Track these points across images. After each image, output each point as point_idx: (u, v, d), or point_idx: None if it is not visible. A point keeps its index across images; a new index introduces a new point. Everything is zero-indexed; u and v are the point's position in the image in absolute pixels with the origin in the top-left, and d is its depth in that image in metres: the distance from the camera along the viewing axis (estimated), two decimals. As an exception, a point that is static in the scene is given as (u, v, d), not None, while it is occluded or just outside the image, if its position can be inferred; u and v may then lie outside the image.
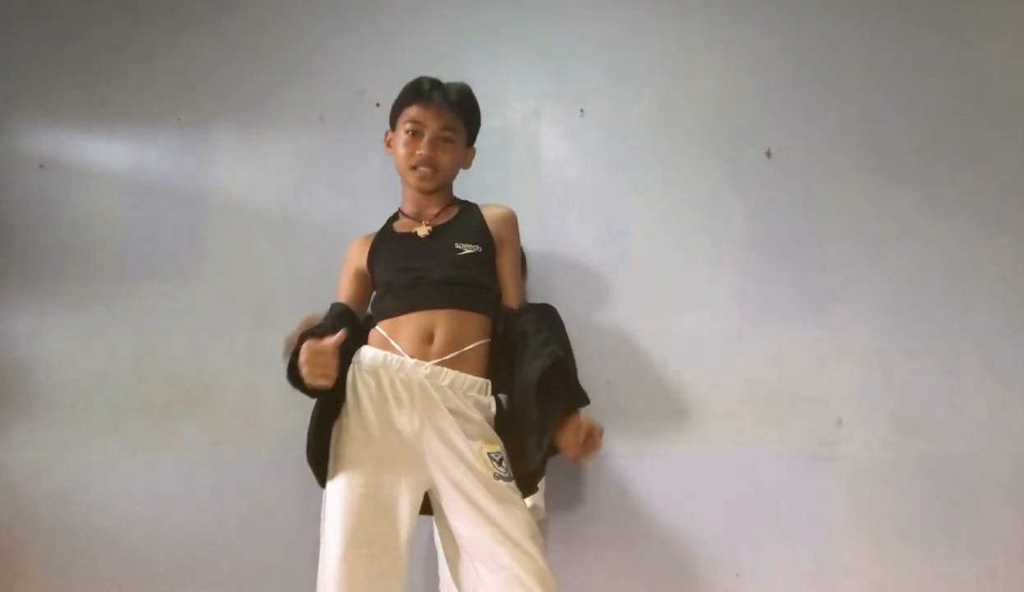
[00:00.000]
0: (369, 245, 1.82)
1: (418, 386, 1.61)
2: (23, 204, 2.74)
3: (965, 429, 2.42)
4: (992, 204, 2.54)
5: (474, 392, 1.66)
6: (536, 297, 2.36)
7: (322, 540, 1.64)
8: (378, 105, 2.72)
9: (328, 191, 2.69)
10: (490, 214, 1.82)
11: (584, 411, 1.84)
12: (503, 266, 1.77)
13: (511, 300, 1.77)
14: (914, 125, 2.59)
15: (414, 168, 1.74)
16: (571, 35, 2.74)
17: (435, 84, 1.82)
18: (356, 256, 1.83)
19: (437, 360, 1.63)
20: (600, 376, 2.52)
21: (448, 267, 1.69)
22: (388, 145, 1.84)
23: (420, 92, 1.79)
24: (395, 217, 1.86)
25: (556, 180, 2.67)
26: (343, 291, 1.84)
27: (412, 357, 1.63)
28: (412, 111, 1.76)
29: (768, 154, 2.62)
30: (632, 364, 2.53)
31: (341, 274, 1.88)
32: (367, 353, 1.68)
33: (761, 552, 2.41)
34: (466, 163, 1.89)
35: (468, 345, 1.67)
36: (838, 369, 2.48)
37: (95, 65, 2.80)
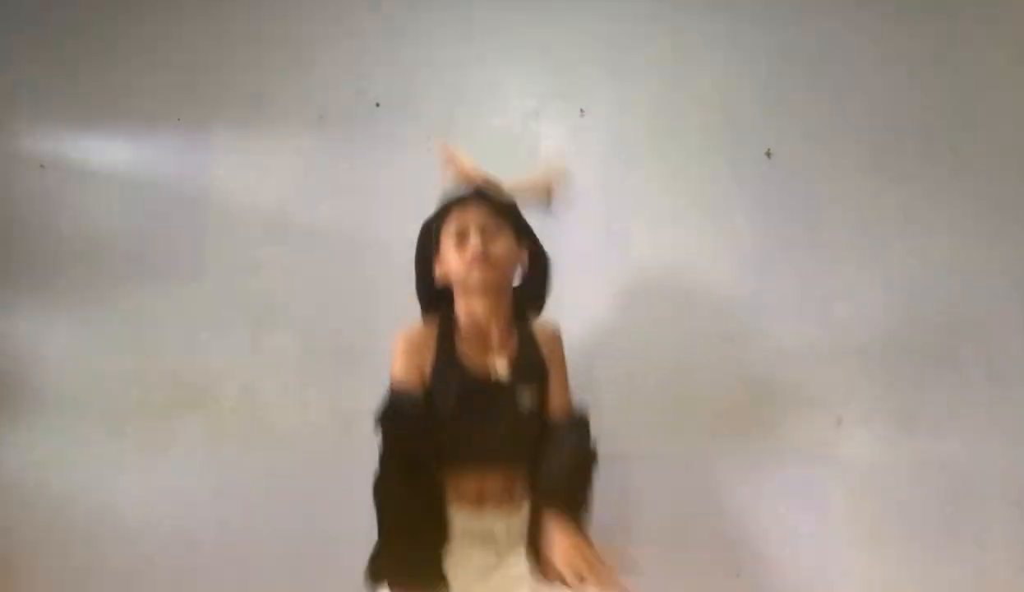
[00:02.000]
0: (433, 349, 1.64)
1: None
2: (23, 204, 2.74)
3: (965, 429, 2.42)
4: (992, 204, 2.54)
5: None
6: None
7: None
8: (378, 105, 2.72)
9: (328, 191, 2.69)
10: (542, 337, 1.76)
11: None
12: (552, 385, 1.72)
13: (555, 413, 1.71)
14: (914, 125, 2.59)
15: (469, 268, 1.62)
16: (571, 35, 2.74)
17: (465, 190, 1.78)
18: (420, 356, 1.64)
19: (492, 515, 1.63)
20: (600, 376, 2.52)
21: (509, 419, 1.63)
22: (440, 272, 1.70)
23: (455, 198, 1.71)
24: (450, 323, 1.67)
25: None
26: (413, 380, 1.64)
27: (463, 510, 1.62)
28: (453, 218, 1.68)
29: (768, 154, 2.62)
30: (632, 364, 2.53)
31: (400, 357, 1.65)
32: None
33: (761, 552, 2.41)
34: (524, 260, 1.77)
35: (516, 498, 1.66)
36: (838, 369, 2.48)
37: (95, 65, 2.80)
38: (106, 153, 2.77)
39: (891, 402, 2.45)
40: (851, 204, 2.58)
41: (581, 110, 2.70)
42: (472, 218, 1.66)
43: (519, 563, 1.62)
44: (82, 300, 2.68)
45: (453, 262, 1.66)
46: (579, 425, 1.73)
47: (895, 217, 2.56)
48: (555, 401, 1.70)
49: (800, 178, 2.60)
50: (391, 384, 1.63)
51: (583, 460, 1.70)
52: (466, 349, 1.65)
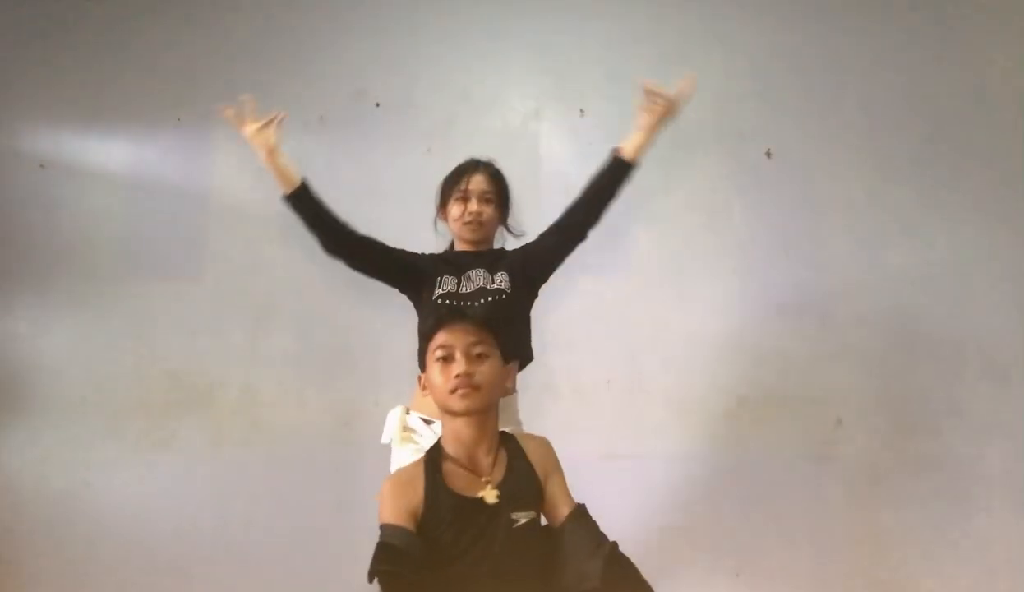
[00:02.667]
0: (422, 488, 1.60)
1: None
2: (23, 204, 2.74)
3: (965, 429, 2.42)
4: (992, 204, 2.54)
5: None
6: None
7: None
8: (378, 105, 2.73)
9: (328, 191, 2.68)
10: (533, 454, 1.69)
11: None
12: (552, 492, 1.66)
13: (560, 515, 1.66)
14: (914, 125, 2.59)
15: (453, 391, 1.58)
16: (571, 35, 2.74)
17: (455, 308, 1.77)
18: (407, 496, 1.59)
19: None
20: (600, 376, 2.52)
21: (506, 551, 1.57)
22: (424, 388, 1.68)
23: (441, 318, 1.66)
24: (438, 453, 1.64)
25: (556, 180, 2.66)
26: (402, 521, 1.58)
27: None
28: (438, 339, 1.63)
29: (768, 154, 2.62)
30: (632, 364, 2.53)
31: (387, 502, 1.60)
32: None
33: (761, 552, 2.41)
34: (509, 381, 1.74)
35: None
36: (838, 369, 2.48)
37: (95, 65, 2.80)
38: (106, 153, 2.77)
39: (891, 402, 2.45)
40: (851, 204, 2.58)
41: (581, 110, 2.70)
42: (459, 340, 1.60)
43: None
44: (82, 300, 2.68)
45: (437, 384, 1.60)
46: (582, 517, 1.68)
47: (895, 217, 2.56)
48: (559, 509, 1.65)
49: (800, 178, 2.60)
50: (381, 531, 1.58)
51: (606, 549, 1.69)
52: (454, 477, 1.61)
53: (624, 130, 2.68)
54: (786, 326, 2.51)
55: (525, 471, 1.65)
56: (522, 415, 2.30)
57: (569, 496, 1.69)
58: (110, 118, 2.79)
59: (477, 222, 2.00)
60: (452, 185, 2.04)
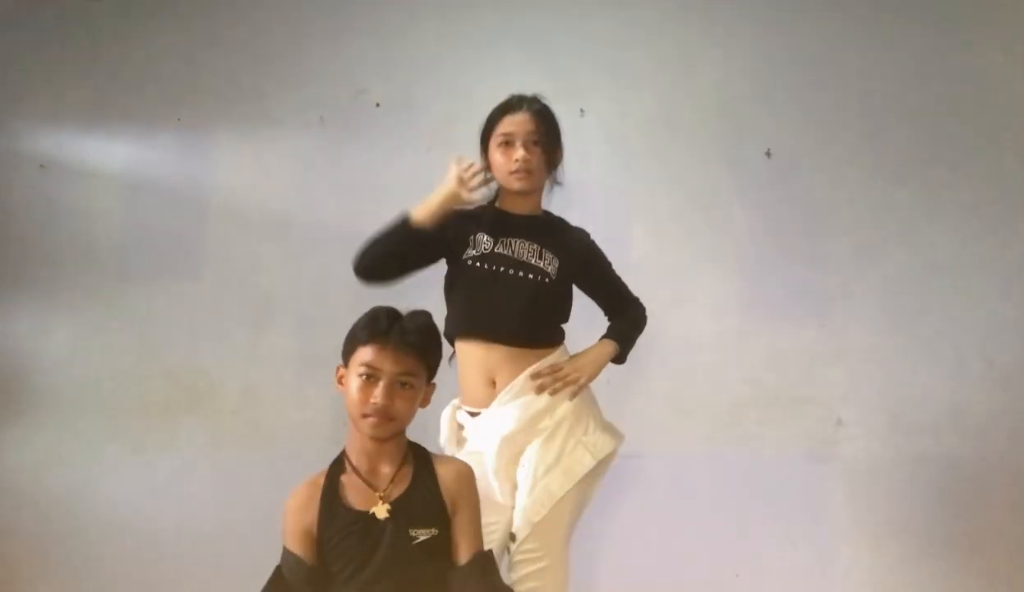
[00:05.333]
0: (317, 507, 1.55)
1: None
2: (23, 204, 2.74)
3: (965, 429, 2.42)
4: (992, 204, 2.54)
5: None
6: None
7: None
8: (378, 105, 2.72)
9: (328, 191, 2.69)
10: (444, 478, 1.58)
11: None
12: (458, 528, 1.57)
13: (461, 556, 1.55)
14: (914, 125, 2.59)
15: (365, 416, 1.51)
16: (571, 35, 2.75)
17: (393, 319, 1.57)
18: (303, 516, 1.56)
19: None
20: (600, 376, 2.52)
21: (402, 567, 1.50)
22: (339, 382, 1.59)
23: (376, 331, 1.55)
24: (340, 465, 1.60)
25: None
26: (297, 545, 1.56)
27: None
28: (367, 353, 1.53)
29: (768, 154, 2.62)
30: (632, 364, 2.53)
31: (286, 524, 1.58)
32: None
33: (761, 552, 2.41)
34: (425, 402, 1.61)
35: None
36: (838, 369, 2.48)
37: (95, 65, 2.80)
38: (106, 153, 2.77)
39: (891, 402, 2.46)
40: (851, 204, 2.58)
41: (581, 110, 2.70)
42: (387, 365, 1.52)
43: None
44: (82, 300, 2.68)
45: (353, 395, 1.52)
46: (481, 569, 1.55)
47: (895, 217, 2.56)
48: (460, 545, 1.55)
49: (800, 178, 2.60)
50: (284, 554, 1.58)
51: None
52: (351, 490, 1.55)
53: (624, 130, 2.69)
54: (786, 326, 2.51)
55: (428, 491, 1.56)
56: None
57: (476, 537, 1.58)
58: (110, 118, 2.79)
59: (525, 171, 1.80)
60: (492, 127, 1.86)
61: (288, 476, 2.14)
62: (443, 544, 1.54)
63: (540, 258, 1.81)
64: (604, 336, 1.94)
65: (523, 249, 1.81)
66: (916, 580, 2.36)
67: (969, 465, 2.40)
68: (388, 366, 1.52)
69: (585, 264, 1.90)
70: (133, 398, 2.60)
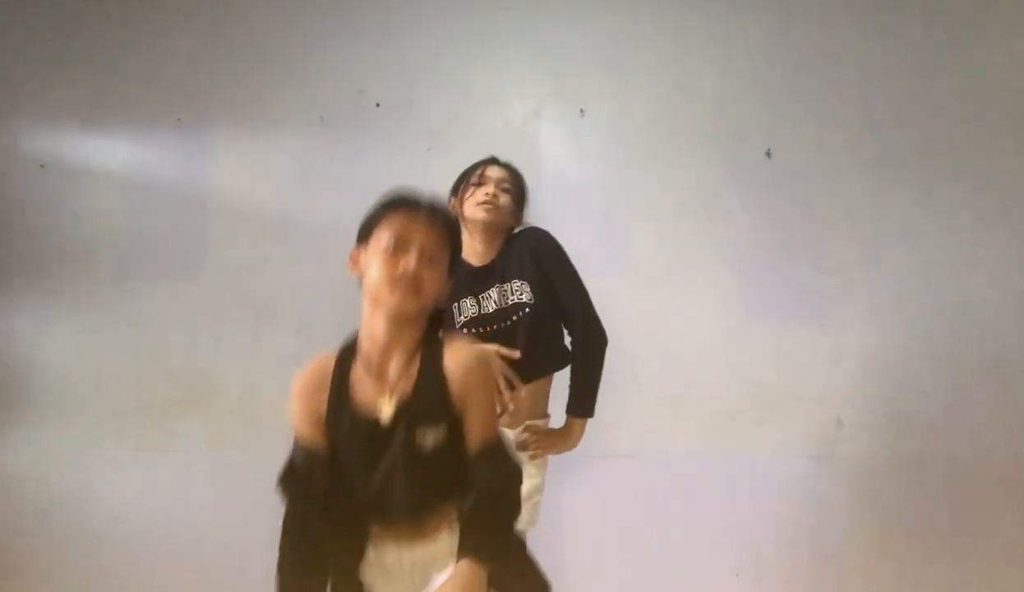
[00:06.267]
0: (326, 395, 1.48)
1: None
2: (23, 204, 2.74)
3: (965, 429, 2.42)
4: (992, 204, 2.54)
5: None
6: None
7: None
8: (378, 105, 2.73)
9: (328, 191, 2.69)
10: (452, 373, 1.46)
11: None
12: (468, 418, 1.46)
13: (471, 444, 1.46)
14: (914, 125, 2.59)
15: (393, 289, 1.40)
16: (571, 35, 2.75)
17: (415, 200, 1.49)
18: (314, 399, 1.48)
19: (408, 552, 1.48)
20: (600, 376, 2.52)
21: (410, 470, 1.43)
22: (354, 265, 1.48)
23: (407, 201, 1.47)
24: (350, 355, 1.50)
25: (556, 180, 2.66)
26: (307, 430, 1.50)
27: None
28: (396, 221, 1.43)
29: (768, 154, 2.62)
30: (632, 364, 2.53)
31: (295, 404, 1.52)
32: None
33: (761, 552, 2.41)
34: (443, 296, 1.51)
35: (430, 538, 1.48)
36: (838, 369, 2.48)
37: (95, 65, 2.80)
38: (106, 153, 2.77)
39: (891, 402, 2.45)
40: (851, 204, 2.58)
41: (581, 110, 2.70)
42: (419, 234, 1.43)
43: None
44: (82, 300, 2.68)
45: (374, 270, 1.42)
46: (490, 455, 1.46)
47: (895, 217, 2.56)
48: (471, 434, 1.45)
49: (800, 178, 2.60)
50: (293, 438, 1.51)
51: (493, 496, 1.45)
52: (360, 386, 1.46)
53: (624, 130, 2.69)
54: (786, 326, 2.51)
55: (437, 386, 1.44)
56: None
57: (485, 425, 1.47)
58: (110, 118, 2.79)
59: (494, 205, 1.93)
60: (468, 174, 2.02)
61: (288, 476, 2.13)
62: (452, 438, 1.44)
63: (512, 294, 1.91)
64: (570, 412, 1.98)
65: (498, 296, 1.91)
66: (916, 580, 2.36)
67: (969, 465, 2.40)
68: (420, 233, 1.42)
69: (536, 261, 1.95)
70: (133, 398, 2.60)
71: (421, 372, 1.45)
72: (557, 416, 2.02)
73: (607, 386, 2.51)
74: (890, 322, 2.50)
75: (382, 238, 1.43)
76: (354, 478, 1.45)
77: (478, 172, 2.00)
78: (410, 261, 1.40)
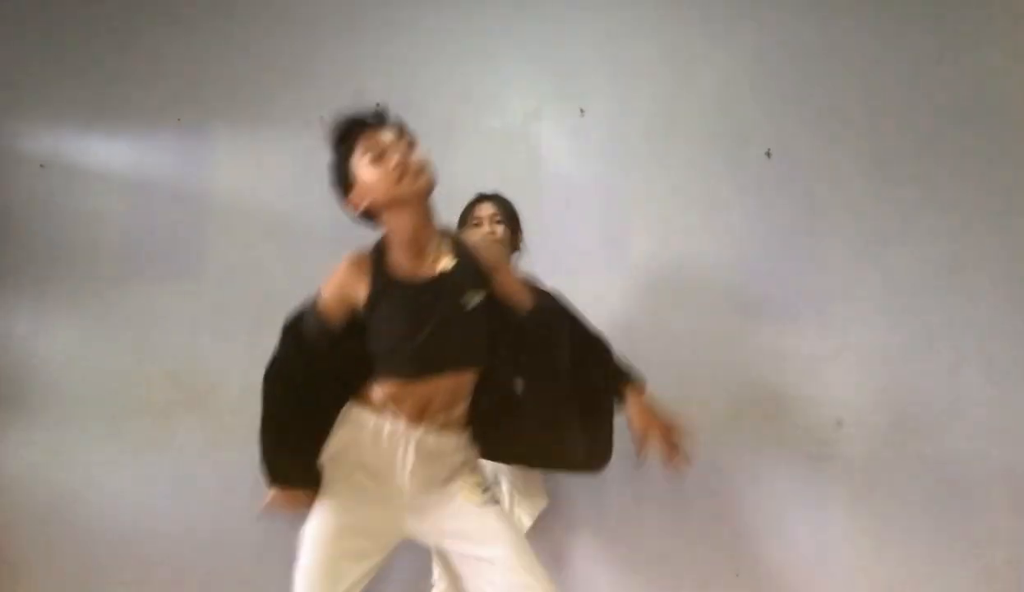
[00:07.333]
0: (368, 281, 1.63)
1: (413, 450, 1.62)
2: (23, 204, 2.74)
3: (965, 429, 2.42)
4: (992, 204, 2.54)
5: (459, 447, 1.69)
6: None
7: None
8: (378, 105, 2.71)
9: (328, 191, 2.68)
10: (479, 247, 1.74)
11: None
12: (504, 285, 1.70)
13: (520, 305, 1.71)
14: (914, 125, 2.59)
15: (401, 180, 1.58)
16: (571, 35, 2.75)
17: (365, 115, 1.71)
18: (356, 285, 1.65)
19: (430, 426, 1.64)
20: (600, 376, 2.52)
21: (458, 326, 1.61)
22: (356, 206, 1.66)
23: (357, 127, 1.67)
24: (381, 253, 1.66)
25: (556, 180, 2.67)
26: (335, 309, 1.66)
27: (410, 424, 1.62)
28: (364, 144, 1.64)
29: (768, 154, 2.62)
30: (632, 364, 2.53)
31: (337, 278, 1.69)
32: (367, 421, 1.65)
33: (761, 552, 2.41)
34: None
35: (459, 407, 1.67)
36: (838, 369, 2.48)
37: (95, 65, 2.80)
38: (106, 153, 2.77)
39: (891, 402, 2.45)
40: (851, 204, 2.58)
41: (581, 110, 2.70)
42: (383, 135, 1.64)
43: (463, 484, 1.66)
44: (82, 300, 2.68)
45: (378, 181, 1.60)
46: (551, 308, 1.78)
47: (894, 217, 2.56)
48: (514, 295, 1.70)
49: (800, 178, 2.60)
50: (317, 299, 1.68)
51: (593, 340, 1.83)
52: (400, 268, 1.63)
53: (624, 130, 2.69)
54: (786, 326, 2.51)
55: (471, 260, 1.66)
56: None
57: (520, 288, 1.72)
58: (110, 118, 2.79)
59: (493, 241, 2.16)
60: (465, 217, 2.24)
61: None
62: (488, 301, 1.65)
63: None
64: None
65: None
66: (916, 580, 2.36)
67: (969, 465, 2.40)
68: (387, 136, 1.63)
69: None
70: (133, 398, 2.60)
71: (454, 252, 1.65)
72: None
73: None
74: (890, 322, 2.50)
75: (364, 161, 1.62)
76: (400, 340, 1.59)
77: (472, 214, 2.23)
78: (400, 155, 1.60)
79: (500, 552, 1.56)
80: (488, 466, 1.96)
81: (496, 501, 1.69)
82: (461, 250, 1.67)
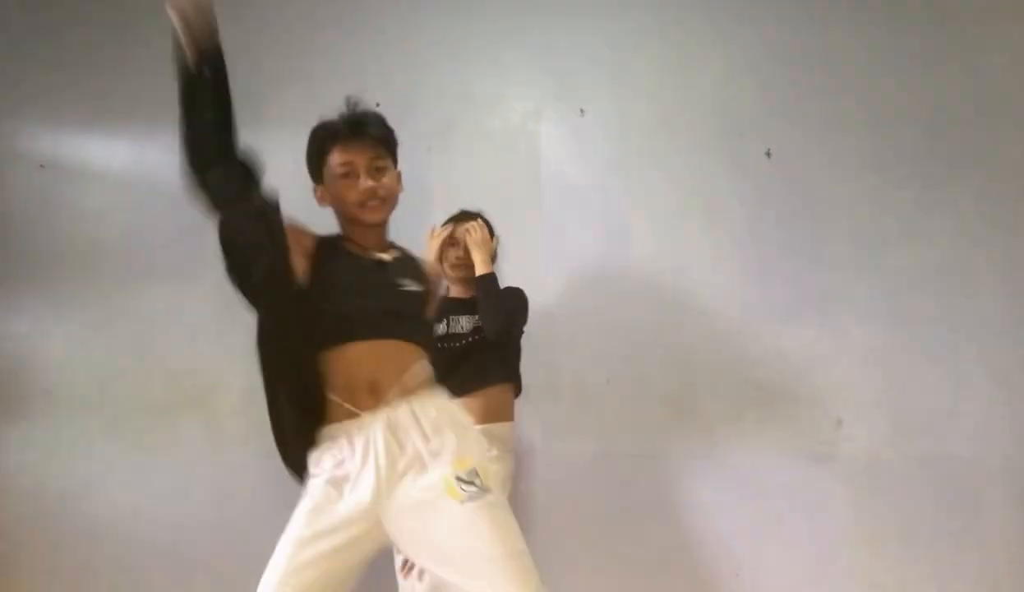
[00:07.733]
0: (315, 242, 1.71)
1: (380, 437, 1.57)
2: (23, 204, 2.74)
3: (965, 429, 2.42)
4: (992, 204, 2.53)
5: (440, 407, 1.63)
6: (536, 297, 2.35)
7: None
8: (378, 105, 2.71)
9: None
10: (423, 262, 1.83)
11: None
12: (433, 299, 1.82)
13: None
14: (914, 125, 2.59)
15: (362, 206, 1.67)
16: (571, 35, 2.75)
17: (343, 119, 1.75)
18: (304, 235, 1.71)
19: (393, 402, 1.59)
20: (600, 376, 2.52)
21: (396, 302, 1.67)
22: (321, 200, 1.76)
23: (335, 133, 1.72)
24: (333, 238, 1.76)
25: (556, 180, 2.67)
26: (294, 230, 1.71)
27: (369, 410, 1.58)
28: (337, 155, 1.70)
29: (768, 154, 2.62)
30: (632, 364, 2.53)
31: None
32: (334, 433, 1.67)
33: (761, 552, 2.41)
34: (399, 184, 1.79)
35: (412, 373, 1.63)
36: (838, 369, 2.48)
37: (95, 65, 2.80)
38: (106, 153, 2.77)
39: (891, 402, 2.45)
40: (851, 204, 2.58)
41: (581, 110, 2.70)
42: (359, 155, 1.68)
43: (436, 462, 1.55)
44: (82, 300, 2.68)
45: (343, 197, 1.68)
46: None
47: (894, 217, 2.56)
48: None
49: (800, 178, 2.60)
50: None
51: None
52: (352, 245, 1.71)
53: (624, 130, 2.69)
54: (786, 326, 2.51)
55: (414, 263, 1.75)
56: (520, 416, 2.30)
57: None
58: (110, 118, 2.79)
59: (463, 265, 2.23)
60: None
61: (287, 476, 2.14)
62: (424, 299, 1.72)
63: (478, 321, 2.21)
64: None
65: (466, 322, 2.22)
66: (916, 580, 2.36)
67: (969, 465, 2.40)
68: (360, 156, 1.67)
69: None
70: (133, 398, 2.60)
71: (401, 253, 1.75)
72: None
73: (607, 386, 2.52)
74: (890, 322, 2.49)
75: (334, 170, 1.69)
76: (343, 293, 1.65)
77: (450, 233, 2.27)
78: (366, 182, 1.66)
79: (484, 586, 1.45)
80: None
81: (486, 490, 1.51)
82: (406, 256, 1.76)
